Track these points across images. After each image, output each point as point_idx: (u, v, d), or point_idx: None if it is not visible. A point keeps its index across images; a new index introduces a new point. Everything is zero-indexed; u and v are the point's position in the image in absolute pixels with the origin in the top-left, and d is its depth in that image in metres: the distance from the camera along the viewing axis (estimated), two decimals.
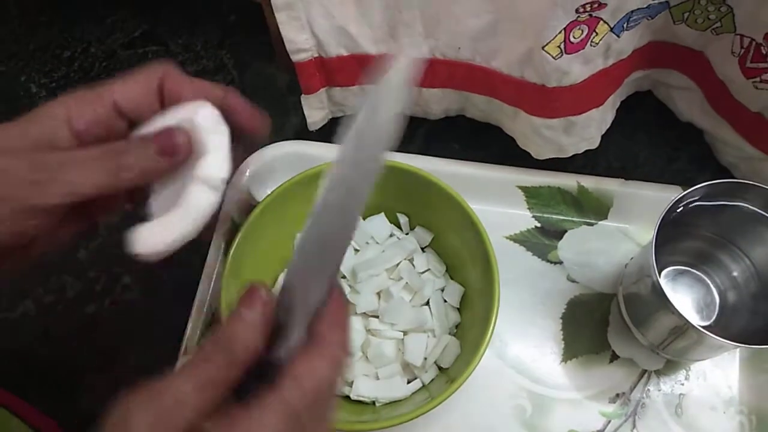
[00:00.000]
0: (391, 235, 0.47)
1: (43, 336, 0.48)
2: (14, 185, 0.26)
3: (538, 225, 0.50)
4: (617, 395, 0.45)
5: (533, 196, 0.50)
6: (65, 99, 0.28)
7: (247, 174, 0.49)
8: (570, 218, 0.50)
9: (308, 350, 0.24)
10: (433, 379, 0.43)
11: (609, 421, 0.44)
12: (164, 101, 0.30)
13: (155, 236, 0.27)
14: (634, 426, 0.44)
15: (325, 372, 0.24)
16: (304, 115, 0.49)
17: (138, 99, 0.29)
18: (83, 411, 0.45)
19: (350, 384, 0.42)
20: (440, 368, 0.43)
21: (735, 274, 0.45)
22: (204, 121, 0.29)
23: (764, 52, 0.40)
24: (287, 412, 0.22)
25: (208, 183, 0.29)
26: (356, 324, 0.44)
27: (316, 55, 0.45)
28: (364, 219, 0.47)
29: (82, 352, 0.47)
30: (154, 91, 0.29)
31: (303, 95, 0.47)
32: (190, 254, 0.49)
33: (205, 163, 0.29)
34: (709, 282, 0.46)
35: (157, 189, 0.30)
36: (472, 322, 0.43)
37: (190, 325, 0.45)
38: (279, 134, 0.54)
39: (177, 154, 0.28)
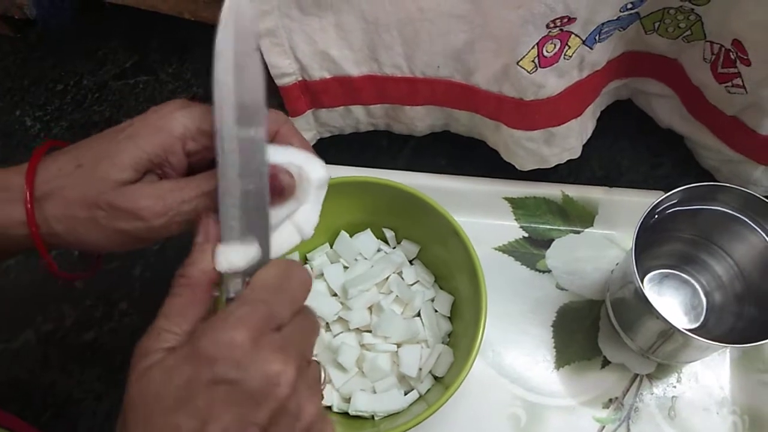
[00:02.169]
0: (378, 250, 0.48)
1: (43, 363, 0.49)
2: (130, 218, 0.27)
3: (526, 235, 0.51)
4: (610, 400, 0.45)
5: (519, 206, 0.51)
6: (183, 116, 0.29)
7: None
8: (556, 227, 0.51)
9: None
10: (429, 389, 0.43)
11: (603, 427, 0.44)
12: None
13: (238, 255, 0.28)
14: (628, 430, 0.44)
15: (271, 271, 0.27)
16: None
17: None
18: None
19: (348, 400, 0.43)
20: (436, 378, 0.44)
21: (719, 274, 0.45)
22: (314, 173, 0.30)
23: (733, 57, 0.41)
24: (247, 304, 0.25)
25: (299, 230, 0.30)
26: (350, 340, 0.44)
27: (300, 78, 0.46)
28: (351, 236, 0.47)
29: (82, 379, 0.48)
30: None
31: (290, 118, 0.49)
32: None
33: (303, 211, 0.30)
34: (695, 283, 0.47)
35: None
36: (463, 330, 0.43)
37: None
38: None
39: (281, 194, 0.29)
